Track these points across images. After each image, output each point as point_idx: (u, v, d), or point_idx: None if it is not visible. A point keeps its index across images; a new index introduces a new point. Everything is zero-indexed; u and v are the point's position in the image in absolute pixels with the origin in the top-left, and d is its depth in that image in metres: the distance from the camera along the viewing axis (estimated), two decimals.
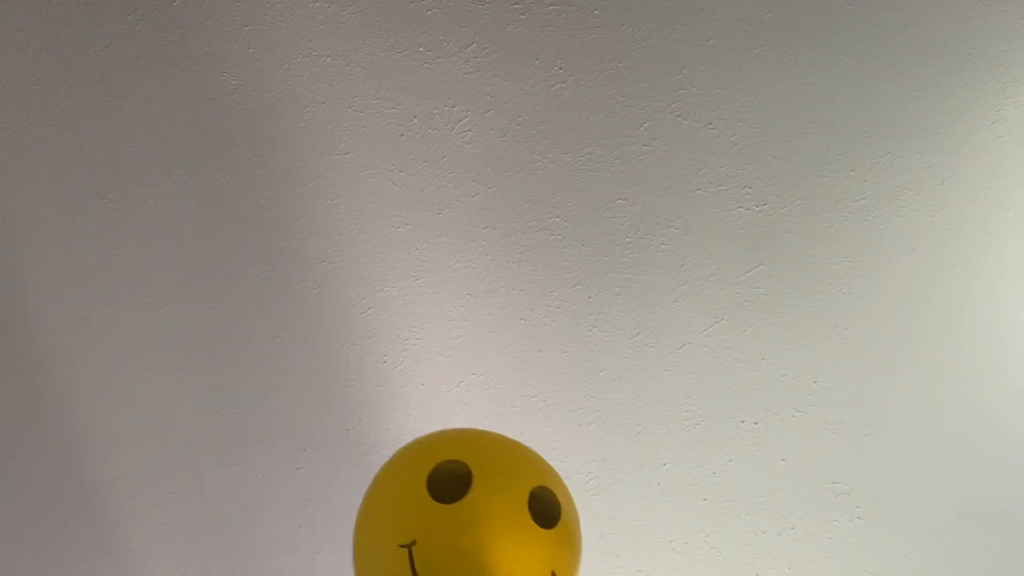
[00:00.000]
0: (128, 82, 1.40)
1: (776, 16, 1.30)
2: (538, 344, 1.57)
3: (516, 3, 1.32)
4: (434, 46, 1.35)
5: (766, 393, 1.59)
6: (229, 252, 1.52)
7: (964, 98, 1.35)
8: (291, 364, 1.61)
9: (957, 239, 1.45)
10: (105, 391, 1.65)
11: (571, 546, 0.91)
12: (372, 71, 1.38)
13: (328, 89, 1.39)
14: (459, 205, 1.47)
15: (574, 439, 1.64)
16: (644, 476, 1.66)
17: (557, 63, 1.35)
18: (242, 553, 1.79)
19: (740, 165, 1.41)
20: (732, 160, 1.41)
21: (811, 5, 1.29)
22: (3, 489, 1.75)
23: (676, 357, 1.57)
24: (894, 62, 1.33)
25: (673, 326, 1.54)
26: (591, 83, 1.36)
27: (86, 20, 1.36)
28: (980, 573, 1.72)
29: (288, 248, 1.51)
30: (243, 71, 1.38)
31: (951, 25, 1.30)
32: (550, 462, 0.97)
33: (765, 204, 1.44)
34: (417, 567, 0.84)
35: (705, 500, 1.68)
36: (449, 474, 0.88)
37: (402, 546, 0.85)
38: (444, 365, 1.60)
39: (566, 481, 0.97)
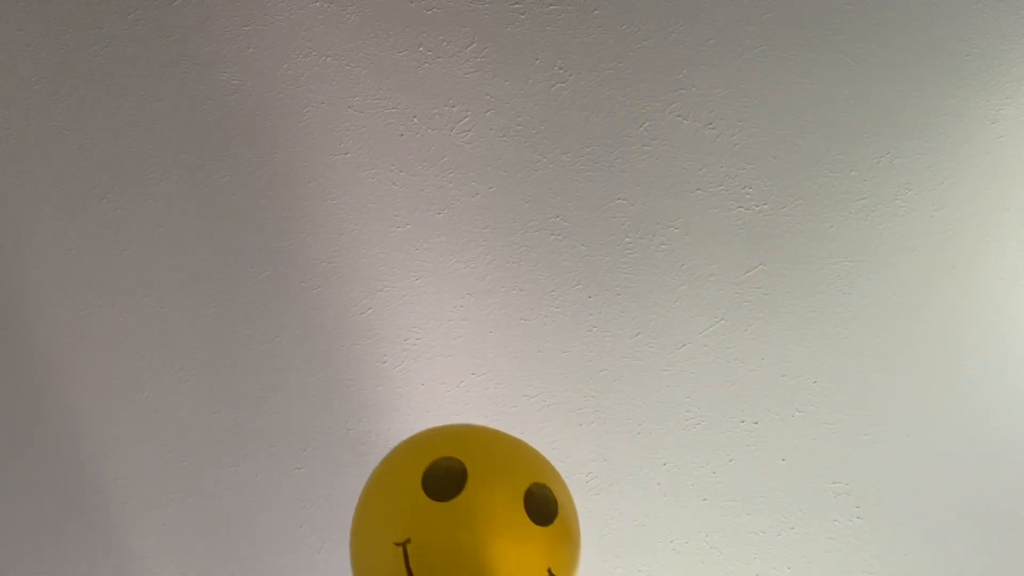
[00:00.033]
0: (128, 82, 1.40)
1: (776, 16, 1.30)
2: (538, 344, 1.57)
3: (516, 3, 1.31)
4: (434, 46, 1.35)
5: (766, 393, 1.59)
6: (229, 252, 1.52)
7: (964, 98, 1.35)
8: (291, 364, 1.61)
9: (957, 239, 1.45)
10: (105, 391, 1.65)
11: (569, 544, 0.90)
12: (372, 71, 1.38)
13: (328, 89, 1.39)
14: (459, 205, 1.47)
15: (574, 439, 1.64)
16: (644, 476, 1.66)
17: (557, 63, 1.35)
18: (242, 553, 1.79)
19: (740, 165, 1.41)
20: (732, 160, 1.41)
21: (811, 5, 1.29)
22: (3, 489, 1.75)
23: (676, 357, 1.57)
24: (894, 62, 1.33)
25: (673, 326, 1.54)
26: (591, 83, 1.36)
27: (86, 20, 1.36)
28: (980, 573, 1.72)
29: (288, 248, 1.51)
30: (243, 71, 1.38)
31: (951, 25, 1.30)
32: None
33: (765, 204, 1.44)
34: (412, 565, 0.83)
35: (705, 500, 1.68)
36: (444, 471, 0.87)
37: (397, 544, 0.85)
38: (444, 365, 1.60)
39: (566, 481, 0.96)
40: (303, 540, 1.77)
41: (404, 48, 1.36)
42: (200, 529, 1.77)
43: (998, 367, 1.55)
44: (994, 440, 1.61)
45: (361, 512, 0.93)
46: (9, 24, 1.36)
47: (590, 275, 1.51)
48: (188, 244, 1.52)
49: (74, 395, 1.66)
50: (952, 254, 1.47)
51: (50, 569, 1.83)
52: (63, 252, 1.54)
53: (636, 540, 1.72)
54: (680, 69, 1.35)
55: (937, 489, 1.65)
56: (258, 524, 1.76)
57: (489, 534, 0.84)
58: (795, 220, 1.45)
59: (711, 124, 1.39)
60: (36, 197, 1.49)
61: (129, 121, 1.43)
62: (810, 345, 1.54)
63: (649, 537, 1.72)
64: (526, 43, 1.34)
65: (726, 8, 1.30)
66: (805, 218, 1.45)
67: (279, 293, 1.55)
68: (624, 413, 1.62)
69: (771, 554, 1.72)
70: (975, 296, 1.50)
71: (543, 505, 0.88)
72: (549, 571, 0.87)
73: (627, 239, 1.48)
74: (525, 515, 0.86)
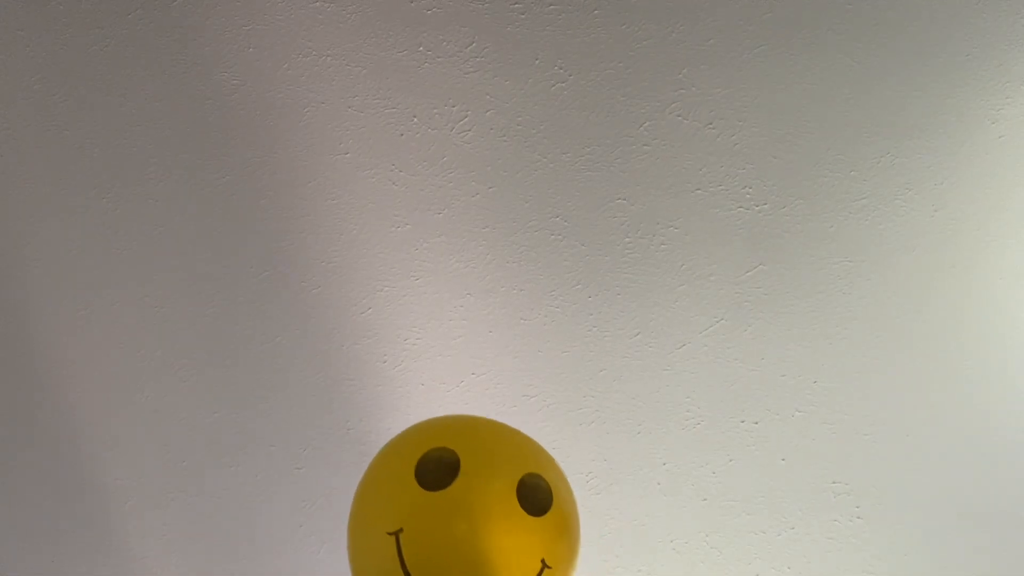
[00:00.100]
0: (128, 82, 1.40)
1: (776, 16, 1.30)
2: (538, 344, 1.57)
3: (516, 3, 1.31)
4: (434, 46, 1.35)
5: (766, 393, 1.59)
6: (229, 252, 1.52)
7: (964, 98, 1.35)
8: (291, 364, 1.61)
9: (957, 239, 1.45)
10: (105, 391, 1.65)
11: (564, 534, 0.90)
12: (372, 71, 1.38)
13: (328, 89, 1.39)
14: (459, 205, 1.47)
15: (574, 439, 1.64)
16: (644, 476, 1.66)
17: (557, 63, 1.35)
18: (242, 553, 1.79)
19: (740, 165, 1.41)
20: (732, 160, 1.41)
21: (811, 5, 1.29)
22: (3, 489, 1.75)
23: (676, 357, 1.57)
24: (894, 62, 1.33)
25: (673, 326, 1.54)
26: (591, 83, 1.36)
27: (86, 20, 1.36)
28: (980, 573, 1.72)
29: (288, 248, 1.51)
30: (243, 71, 1.38)
31: (951, 25, 1.30)
32: None
33: (765, 204, 1.44)
34: (404, 554, 0.84)
35: (705, 500, 1.68)
36: (437, 462, 0.88)
37: (389, 533, 0.85)
38: (444, 365, 1.60)
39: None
40: (303, 540, 1.77)
41: (404, 48, 1.36)
42: (200, 529, 1.77)
43: (998, 367, 1.55)
44: (994, 440, 1.61)
45: (357, 503, 0.93)
46: (9, 24, 1.36)
47: (590, 275, 1.51)
48: (188, 244, 1.52)
49: (74, 395, 1.66)
50: (952, 254, 1.47)
51: (50, 569, 1.83)
52: (63, 252, 1.54)
53: (636, 540, 1.72)
54: (680, 69, 1.35)
55: (937, 489, 1.65)
56: (258, 524, 1.76)
57: (481, 524, 0.84)
58: (795, 220, 1.45)
59: (711, 124, 1.39)
60: (36, 197, 1.49)
61: (129, 121, 1.43)
62: (810, 345, 1.54)
63: (649, 537, 1.71)
64: (526, 43, 1.34)
65: (726, 8, 1.30)
66: (805, 218, 1.45)
67: (279, 293, 1.55)
68: (624, 413, 1.61)
69: (771, 554, 1.72)
70: (975, 296, 1.50)
71: (537, 495, 0.88)
72: (543, 561, 0.86)
73: (627, 239, 1.48)
74: (518, 505, 0.86)
